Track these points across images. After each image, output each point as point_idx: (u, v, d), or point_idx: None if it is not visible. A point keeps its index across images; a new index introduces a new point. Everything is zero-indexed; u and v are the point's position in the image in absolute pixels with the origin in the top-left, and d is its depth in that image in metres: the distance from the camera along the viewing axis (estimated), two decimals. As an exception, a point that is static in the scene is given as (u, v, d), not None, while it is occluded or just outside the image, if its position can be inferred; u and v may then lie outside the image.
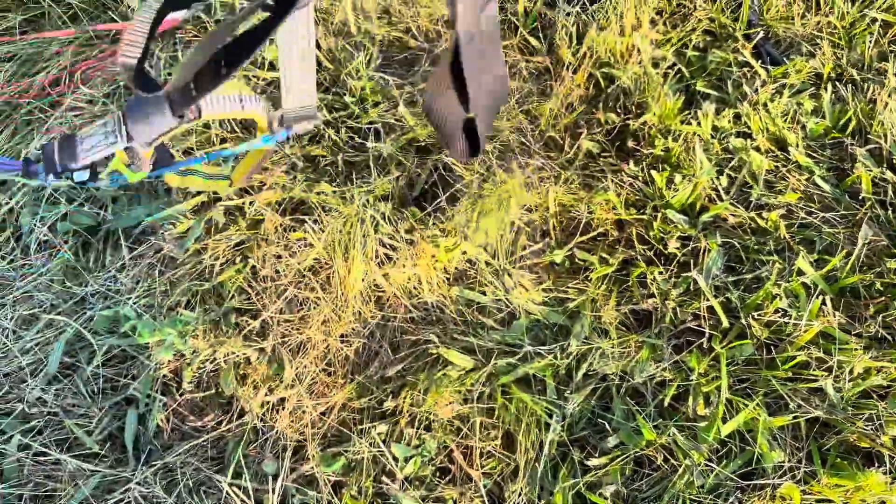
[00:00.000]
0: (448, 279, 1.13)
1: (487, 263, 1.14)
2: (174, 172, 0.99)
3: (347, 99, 1.20)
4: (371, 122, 1.20)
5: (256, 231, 1.14)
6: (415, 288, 1.12)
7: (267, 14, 0.54)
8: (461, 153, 0.61)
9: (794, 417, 1.00)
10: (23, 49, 1.21)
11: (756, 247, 1.15)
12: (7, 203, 1.14)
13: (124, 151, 0.74)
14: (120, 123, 0.69)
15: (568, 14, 1.29)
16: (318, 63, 1.24)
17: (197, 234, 1.12)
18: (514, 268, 1.14)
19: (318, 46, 1.25)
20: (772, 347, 1.07)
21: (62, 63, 1.21)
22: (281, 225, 1.14)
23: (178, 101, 0.61)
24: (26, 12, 1.24)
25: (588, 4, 1.31)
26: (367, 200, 1.13)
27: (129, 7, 1.24)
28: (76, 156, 0.70)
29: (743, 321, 1.08)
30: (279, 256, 1.13)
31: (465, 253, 1.14)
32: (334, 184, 1.15)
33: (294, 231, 1.14)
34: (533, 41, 1.29)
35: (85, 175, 0.73)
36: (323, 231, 1.12)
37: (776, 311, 1.07)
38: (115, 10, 1.26)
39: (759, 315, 1.07)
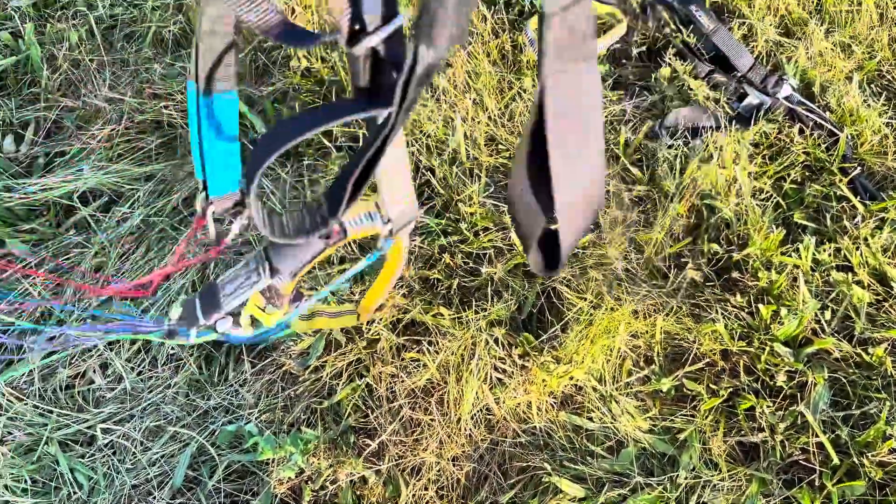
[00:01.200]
0: (555, 404, 1.16)
1: (594, 389, 1.17)
2: (300, 318, 1.02)
3: (462, 225, 1.26)
4: (483, 248, 1.25)
5: (373, 350, 1.18)
6: (524, 412, 1.15)
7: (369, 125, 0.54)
8: (536, 265, 0.52)
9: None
10: (159, 171, 1.29)
11: (863, 382, 1.16)
12: (139, 318, 1.20)
13: (263, 291, 0.74)
14: (262, 259, 0.68)
15: (670, 146, 1.35)
16: (432, 189, 1.31)
17: (318, 353, 1.17)
18: (620, 394, 1.16)
19: (433, 172, 1.31)
20: (885, 488, 1.07)
21: (194, 183, 1.29)
22: (396, 345, 1.18)
23: (317, 223, 0.59)
24: (162, 136, 1.33)
25: (690, 138, 1.37)
26: (482, 326, 1.17)
27: (260, 134, 1.33)
28: (219, 303, 0.68)
29: (854, 459, 1.09)
30: (394, 376, 1.16)
31: (572, 378, 1.17)
32: (451, 307, 1.19)
33: (409, 351, 1.18)
34: (635, 171, 1.34)
35: (228, 324, 0.71)
36: (438, 353, 1.16)
37: (891, 452, 1.07)
38: (243, 134, 1.34)
39: (871, 454, 1.08)
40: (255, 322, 0.79)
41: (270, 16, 0.49)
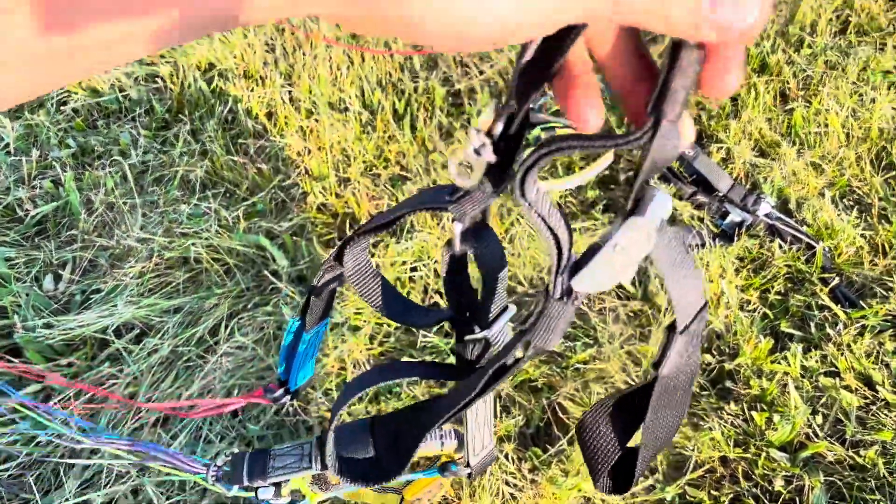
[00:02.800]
0: (567, 514, 1.22)
1: (602, 500, 1.23)
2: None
3: (469, 345, 1.35)
4: (490, 365, 1.34)
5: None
6: (536, 523, 1.20)
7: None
8: (605, 487, 0.51)
9: None
10: (186, 303, 1.40)
11: (858, 483, 1.22)
12: (169, 443, 1.27)
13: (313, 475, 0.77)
14: (316, 449, 0.69)
15: (660, 264, 1.46)
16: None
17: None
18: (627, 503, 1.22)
19: (441, 295, 1.42)
20: (887, 588, 1.12)
21: (219, 314, 1.39)
22: (412, 462, 1.25)
23: (377, 477, 0.58)
24: (189, 271, 1.44)
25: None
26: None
27: (280, 266, 1.44)
28: (266, 473, 0.70)
29: (855, 560, 1.13)
30: (411, 492, 1.22)
31: (580, 490, 1.23)
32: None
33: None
34: (629, 287, 1.44)
35: (270, 492, 0.72)
36: (451, 469, 1.22)
37: (887, 552, 1.12)
38: (264, 266, 1.46)
39: (870, 555, 1.13)
40: (295, 493, 0.81)
41: (389, 298, 0.54)
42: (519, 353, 0.44)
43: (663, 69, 0.32)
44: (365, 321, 1.38)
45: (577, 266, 0.41)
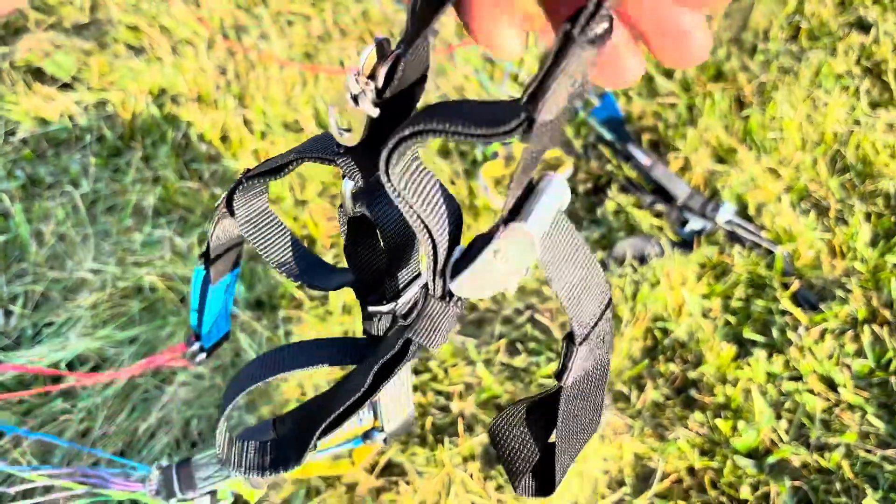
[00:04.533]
0: (535, 533, 1.20)
1: (570, 515, 1.21)
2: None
3: (431, 364, 1.33)
4: (452, 383, 1.32)
5: (352, 494, 1.22)
6: (504, 543, 1.18)
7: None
8: (526, 490, 0.48)
9: None
10: (142, 333, 1.37)
11: (824, 487, 1.22)
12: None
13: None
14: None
15: (620, 276, 1.45)
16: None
17: (300, 501, 1.21)
18: (595, 518, 1.21)
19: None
20: (856, 592, 1.11)
21: (175, 343, 1.36)
22: (374, 488, 1.22)
23: (276, 465, 0.54)
24: (143, 301, 1.41)
25: (637, 266, 1.47)
26: (457, 461, 1.22)
27: (236, 292, 1.41)
28: (194, 485, 0.69)
29: (824, 566, 1.13)
30: (375, 518, 1.20)
31: (548, 506, 1.21)
32: (426, 446, 1.25)
33: (387, 492, 1.22)
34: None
35: (206, 501, 0.71)
36: (415, 492, 1.20)
37: (855, 556, 1.12)
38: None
39: (839, 559, 1.12)
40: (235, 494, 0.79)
41: (288, 253, 0.49)
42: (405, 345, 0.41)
43: (544, 61, 0.28)
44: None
45: (458, 265, 0.36)
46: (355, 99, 0.35)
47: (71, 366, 1.35)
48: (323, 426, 0.46)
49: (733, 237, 1.53)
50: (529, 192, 0.34)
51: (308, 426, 0.49)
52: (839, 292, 1.44)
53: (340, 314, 1.40)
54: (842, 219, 1.55)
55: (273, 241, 0.48)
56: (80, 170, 1.60)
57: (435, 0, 0.30)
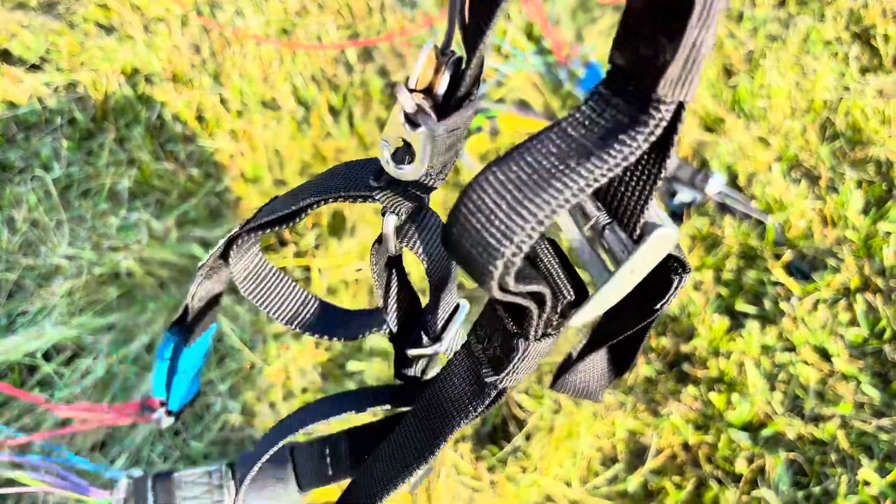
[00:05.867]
0: (528, 513, 1.18)
1: (564, 495, 1.19)
2: None
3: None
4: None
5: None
6: (497, 524, 1.16)
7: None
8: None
9: None
10: (120, 320, 1.33)
11: (819, 458, 1.20)
12: (108, 468, 1.20)
13: None
14: (227, 477, 0.61)
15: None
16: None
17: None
18: (590, 496, 1.18)
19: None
20: (854, 564, 1.09)
21: (154, 329, 1.32)
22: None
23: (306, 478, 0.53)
24: (120, 287, 1.37)
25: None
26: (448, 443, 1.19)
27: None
28: (172, 502, 0.62)
29: (821, 538, 1.11)
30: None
31: (539, 487, 1.19)
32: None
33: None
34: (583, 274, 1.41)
35: None
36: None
37: (853, 528, 1.10)
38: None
39: (836, 531, 1.11)
40: None
41: (298, 305, 0.45)
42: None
43: None
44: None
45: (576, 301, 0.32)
46: (411, 121, 0.30)
47: (47, 355, 1.31)
48: (390, 489, 0.42)
49: (724, 208, 1.50)
50: (643, 202, 0.30)
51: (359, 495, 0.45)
52: (831, 261, 1.41)
53: (325, 295, 1.36)
54: (833, 187, 1.53)
55: (279, 296, 0.44)
56: (51, 153, 1.55)
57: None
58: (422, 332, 0.43)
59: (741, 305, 1.37)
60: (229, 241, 0.41)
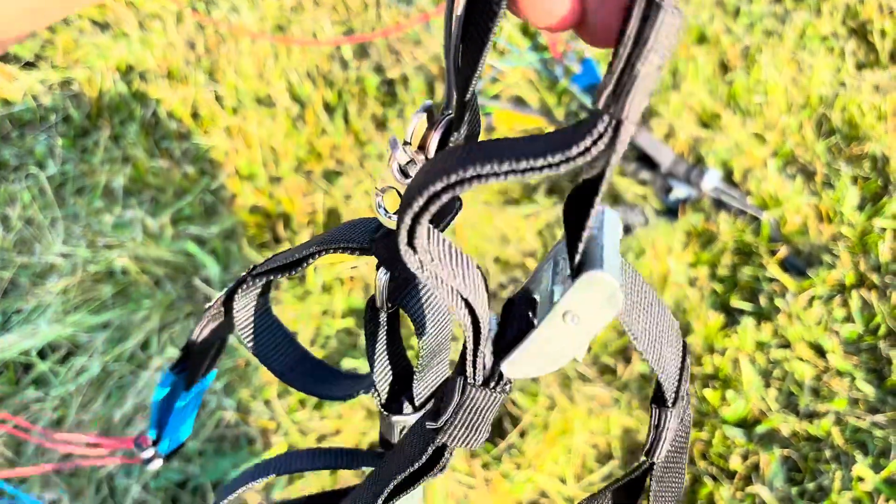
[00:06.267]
0: (522, 510, 1.18)
1: (558, 492, 1.19)
2: None
3: (413, 341, 1.30)
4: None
5: (334, 478, 1.20)
6: (491, 521, 1.16)
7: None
8: None
9: None
10: (115, 318, 1.33)
11: (814, 454, 1.20)
12: (104, 466, 1.20)
13: None
14: None
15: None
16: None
17: (283, 482, 1.18)
18: (584, 493, 1.18)
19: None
20: (848, 560, 1.10)
21: (149, 327, 1.32)
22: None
23: None
24: (116, 284, 1.37)
25: (622, 236, 1.44)
26: (441, 440, 1.20)
27: (211, 272, 1.37)
28: None
29: (815, 534, 1.11)
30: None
31: (534, 484, 1.19)
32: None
33: (372, 473, 1.19)
34: (575, 271, 1.41)
35: None
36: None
37: (847, 524, 1.10)
38: (195, 274, 1.39)
39: (830, 528, 1.11)
40: None
41: (292, 361, 0.44)
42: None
43: (624, 43, 0.23)
44: (303, 326, 1.32)
45: (501, 339, 0.30)
46: (404, 172, 0.31)
47: (42, 353, 1.31)
48: None
49: (719, 204, 1.50)
50: (578, 232, 0.27)
51: None
52: (827, 258, 1.41)
53: (320, 293, 1.36)
54: (828, 183, 1.52)
55: (276, 349, 0.43)
56: (46, 151, 1.54)
57: (475, 43, 0.26)
58: (405, 400, 0.43)
59: (736, 302, 1.37)
60: (235, 286, 0.41)
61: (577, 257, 0.27)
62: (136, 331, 1.32)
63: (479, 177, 0.24)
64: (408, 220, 0.25)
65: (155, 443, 0.60)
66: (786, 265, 1.42)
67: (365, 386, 0.45)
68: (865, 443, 1.21)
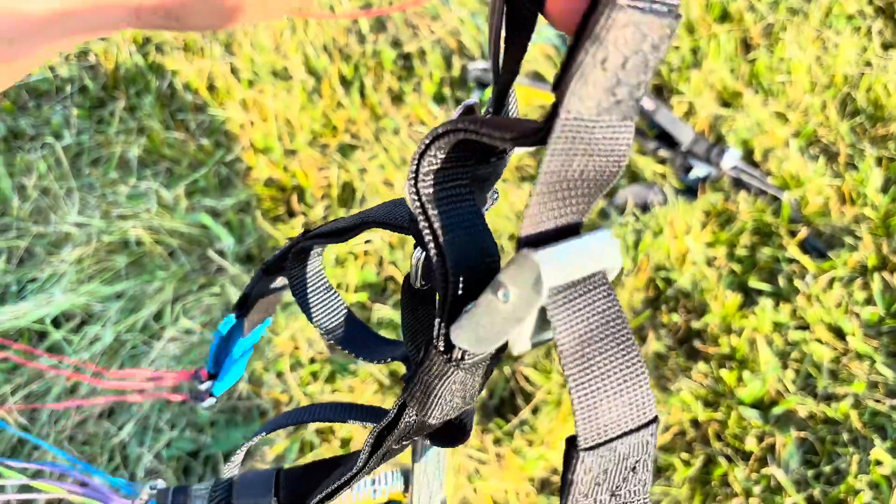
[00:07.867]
0: (534, 487, 1.17)
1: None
2: None
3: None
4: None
5: (347, 449, 1.19)
6: (503, 499, 1.16)
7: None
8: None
9: None
10: (129, 288, 1.33)
11: (831, 437, 1.18)
12: (116, 434, 1.21)
13: None
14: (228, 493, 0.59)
15: (622, 224, 1.40)
16: (395, 281, 1.35)
17: (293, 456, 1.18)
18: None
19: (396, 265, 1.35)
20: (864, 544, 1.08)
21: (163, 298, 1.32)
22: (371, 441, 1.19)
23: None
24: (129, 255, 1.37)
25: (640, 214, 1.42)
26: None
27: (225, 245, 1.37)
28: None
29: (830, 517, 1.10)
30: (371, 473, 1.17)
31: (547, 460, 1.18)
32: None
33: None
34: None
35: None
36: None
37: (863, 507, 1.09)
38: (209, 246, 1.39)
39: (846, 511, 1.09)
40: None
41: (339, 321, 0.46)
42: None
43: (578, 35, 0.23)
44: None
45: (460, 308, 0.28)
46: None
47: (56, 322, 1.31)
48: (316, 501, 0.41)
49: (739, 184, 1.47)
50: (564, 234, 0.26)
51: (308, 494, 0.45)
52: (848, 239, 1.39)
53: (333, 266, 1.36)
54: (852, 164, 1.50)
55: (325, 308, 0.45)
56: (62, 121, 1.54)
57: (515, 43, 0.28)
58: None
59: (754, 282, 1.35)
60: (289, 247, 0.43)
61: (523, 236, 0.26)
62: (149, 301, 1.32)
63: (463, 130, 0.25)
64: (414, 158, 0.27)
65: (212, 377, 0.62)
66: (806, 246, 1.40)
67: (400, 354, 0.46)
68: (884, 426, 1.19)
